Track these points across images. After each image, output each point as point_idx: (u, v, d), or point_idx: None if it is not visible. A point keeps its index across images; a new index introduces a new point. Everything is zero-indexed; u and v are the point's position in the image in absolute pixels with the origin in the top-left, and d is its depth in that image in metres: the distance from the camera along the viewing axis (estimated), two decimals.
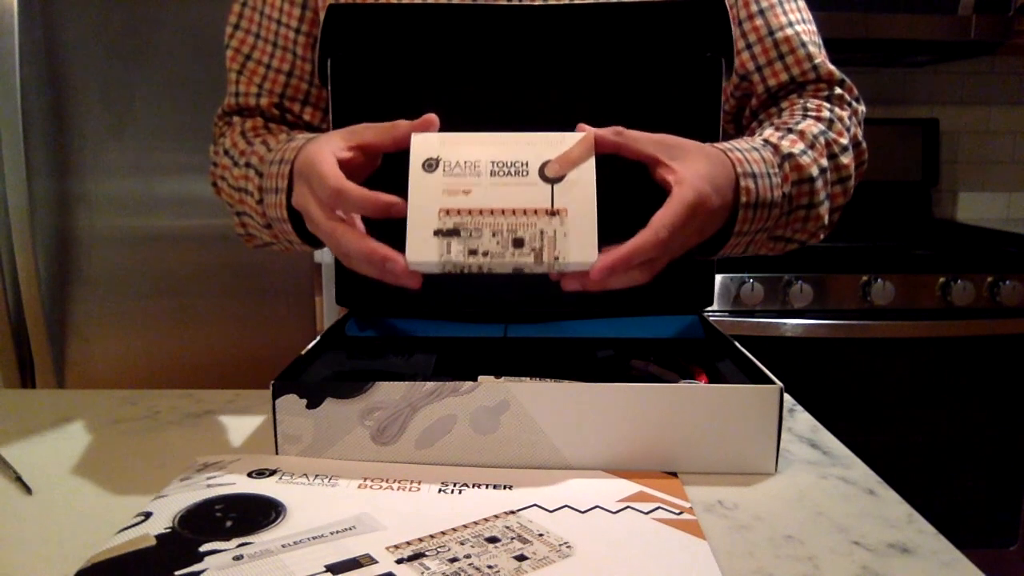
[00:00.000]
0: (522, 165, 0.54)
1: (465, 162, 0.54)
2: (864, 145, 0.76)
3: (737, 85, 0.79)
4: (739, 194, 0.61)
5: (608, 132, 0.56)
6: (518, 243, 0.53)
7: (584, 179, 0.54)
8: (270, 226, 0.69)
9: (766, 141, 0.67)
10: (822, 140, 0.70)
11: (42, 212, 1.41)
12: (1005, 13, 1.75)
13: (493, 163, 0.54)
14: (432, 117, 0.56)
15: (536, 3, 0.72)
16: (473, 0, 0.73)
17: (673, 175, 0.56)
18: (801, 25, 0.78)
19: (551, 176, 0.54)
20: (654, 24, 0.72)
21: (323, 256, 1.63)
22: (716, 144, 0.63)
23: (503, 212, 0.53)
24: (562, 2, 0.72)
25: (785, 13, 0.78)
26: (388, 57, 0.74)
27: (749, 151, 0.64)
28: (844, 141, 0.72)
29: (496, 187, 0.54)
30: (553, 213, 0.53)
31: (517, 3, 0.72)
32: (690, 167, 0.57)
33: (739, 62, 0.78)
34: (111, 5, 1.38)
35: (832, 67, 0.78)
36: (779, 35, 0.77)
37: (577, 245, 0.53)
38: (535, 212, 0.53)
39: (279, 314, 1.48)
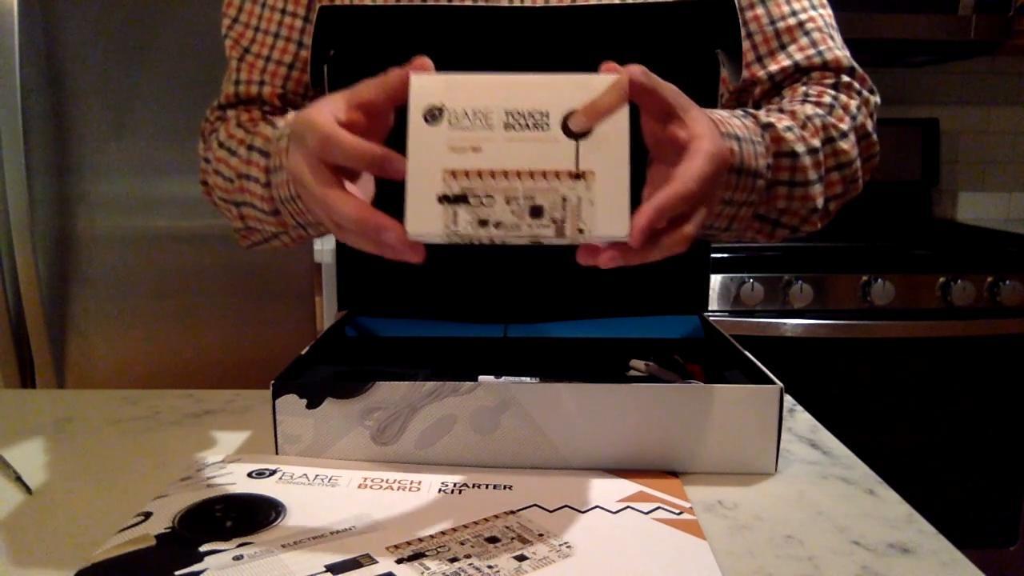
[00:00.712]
0: (542, 116, 0.46)
1: (474, 112, 0.46)
2: (875, 138, 0.73)
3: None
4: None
5: (638, 73, 0.47)
6: (536, 212, 0.45)
7: (615, 134, 0.46)
8: (277, 212, 0.66)
9: (746, 112, 0.64)
10: (817, 122, 0.67)
11: (42, 212, 1.41)
12: (1005, 13, 1.75)
13: (507, 113, 0.46)
14: (425, 60, 0.49)
15: (537, 4, 0.72)
16: (472, 2, 0.73)
17: (687, 130, 0.50)
18: (808, 12, 0.74)
19: (576, 130, 0.46)
20: (655, 25, 0.72)
21: (323, 256, 1.63)
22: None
23: (519, 175, 0.46)
24: (563, 3, 0.72)
25: (788, 2, 0.74)
26: (382, 59, 0.74)
27: (728, 117, 0.60)
28: (843, 127, 0.69)
29: (511, 143, 0.46)
30: (578, 176, 0.46)
31: (517, 4, 0.72)
32: (704, 120, 0.51)
33: None
34: (111, 5, 1.38)
35: (842, 54, 0.73)
36: (780, 24, 0.74)
37: (605, 215, 0.45)
38: (556, 175, 0.46)
39: (279, 314, 1.48)
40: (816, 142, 0.66)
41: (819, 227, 0.70)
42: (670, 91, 0.50)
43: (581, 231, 0.45)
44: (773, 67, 0.74)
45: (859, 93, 0.73)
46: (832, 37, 0.75)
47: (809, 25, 0.74)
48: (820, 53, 0.73)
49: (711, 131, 0.50)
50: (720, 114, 0.60)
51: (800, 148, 0.64)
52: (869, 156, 0.73)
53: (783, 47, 0.74)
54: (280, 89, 0.77)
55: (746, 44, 0.75)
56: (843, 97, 0.71)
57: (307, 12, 0.77)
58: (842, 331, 1.61)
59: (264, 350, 1.48)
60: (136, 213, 1.44)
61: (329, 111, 0.49)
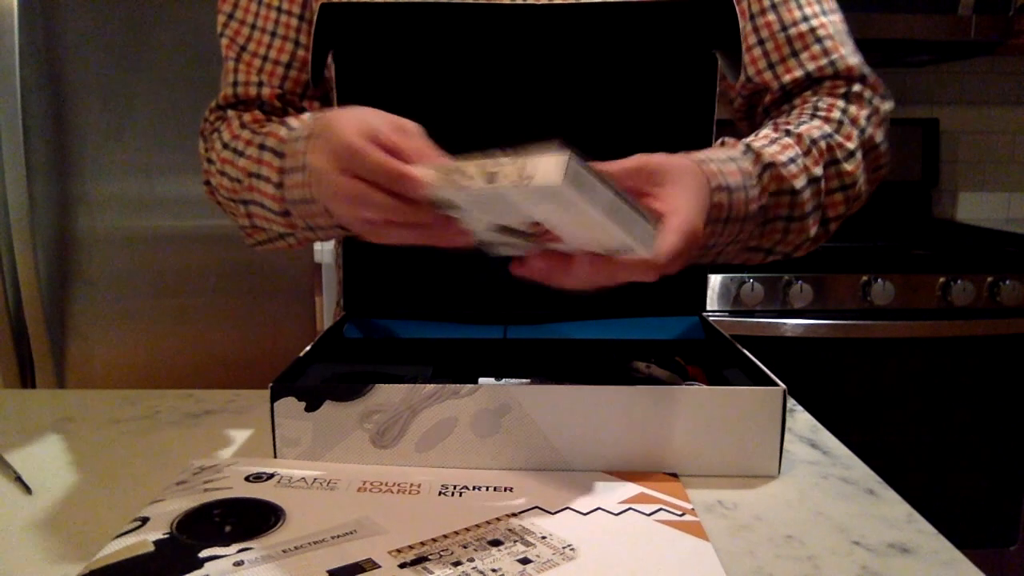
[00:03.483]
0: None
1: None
2: (883, 148, 0.72)
3: (744, 84, 0.76)
4: (709, 211, 0.57)
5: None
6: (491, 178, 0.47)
7: None
8: (287, 213, 0.66)
9: (748, 147, 0.64)
10: (822, 145, 0.66)
11: (42, 212, 1.41)
12: (1005, 13, 1.75)
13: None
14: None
15: (539, 3, 0.72)
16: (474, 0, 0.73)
17: (664, 204, 0.51)
18: (819, 18, 0.73)
19: None
20: (656, 23, 0.72)
21: (323, 256, 1.63)
22: (692, 155, 0.58)
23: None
24: (565, 1, 0.72)
25: (801, 7, 0.73)
26: (383, 56, 0.74)
27: (725, 162, 0.60)
28: (850, 146, 0.68)
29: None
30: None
31: (519, 2, 0.72)
32: (680, 194, 0.52)
33: (750, 59, 0.74)
34: (111, 6, 1.38)
35: (854, 62, 0.73)
36: (792, 31, 0.73)
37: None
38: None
39: (279, 314, 1.48)
40: (819, 170, 0.66)
41: (809, 251, 0.70)
42: (627, 175, 0.51)
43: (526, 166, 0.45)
44: (786, 78, 0.73)
45: (869, 102, 0.72)
46: (844, 44, 0.74)
47: (821, 32, 0.73)
48: (832, 63, 0.72)
49: (688, 207, 0.51)
50: (716, 163, 0.59)
51: (800, 183, 0.64)
52: (877, 167, 0.72)
53: (795, 54, 0.73)
54: (278, 89, 0.77)
55: (758, 51, 0.74)
56: (853, 109, 0.70)
57: (302, 10, 0.77)
58: (842, 331, 1.61)
59: (264, 350, 1.48)
60: (136, 213, 1.44)
61: (356, 120, 0.51)
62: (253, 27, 0.76)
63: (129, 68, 1.39)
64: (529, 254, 0.51)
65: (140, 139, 1.41)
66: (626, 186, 0.50)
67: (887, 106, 0.74)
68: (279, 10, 0.76)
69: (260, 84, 0.76)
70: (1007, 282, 1.61)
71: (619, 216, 0.45)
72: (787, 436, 0.65)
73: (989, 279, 1.62)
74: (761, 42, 0.74)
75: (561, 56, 0.73)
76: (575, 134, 0.74)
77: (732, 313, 1.61)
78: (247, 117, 0.75)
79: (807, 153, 0.66)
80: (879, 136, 0.72)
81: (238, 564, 0.45)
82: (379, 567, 0.45)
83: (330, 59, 0.77)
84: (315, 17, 0.71)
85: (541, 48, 0.73)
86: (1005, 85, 2.18)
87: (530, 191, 0.44)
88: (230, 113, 0.77)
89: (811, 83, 0.73)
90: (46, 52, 1.38)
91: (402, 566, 0.45)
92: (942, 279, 1.62)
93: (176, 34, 1.39)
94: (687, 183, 0.53)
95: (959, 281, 1.60)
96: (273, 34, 0.76)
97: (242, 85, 0.76)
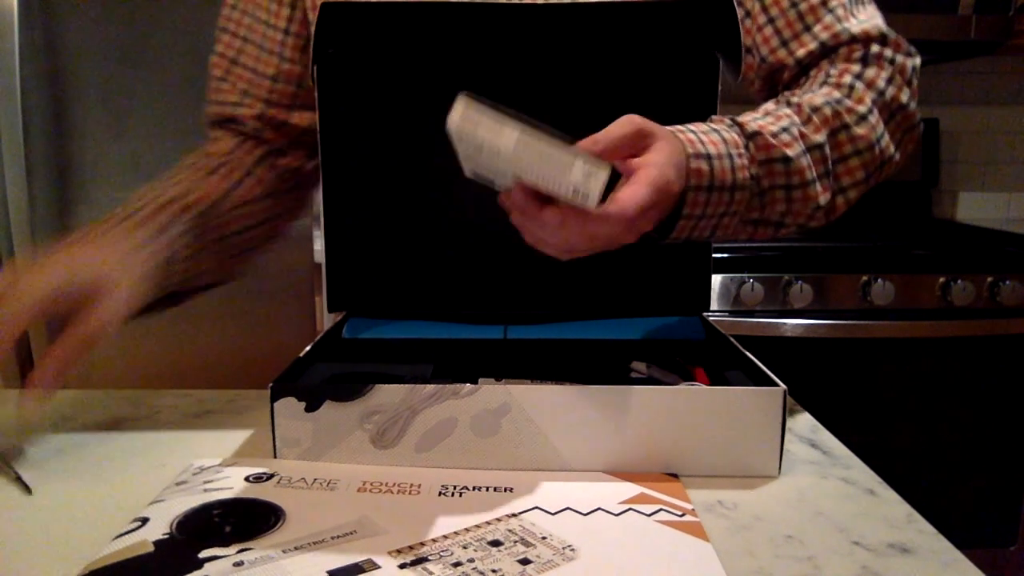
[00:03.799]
0: None
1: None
2: (912, 108, 0.69)
3: (760, 65, 0.75)
4: (688, 176, 0.58)
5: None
6: None
7: None
8: None
9: (733, 120, 0.63)
10: (827, 111, 0.65)
11: (42, 212, 1.41)
12: (1005, 13, 1.75)
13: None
14: None
15: (538, 2, 0.72)
16: None
17: (638, 161, 0.53)
18: None
19: None
20: (656, 23, 0.72)
21: (323, 256, 1.63)
22: (671, 127, 0.59)
23: None
24: (563, 1, 0.72)
25: None
26: (382, 56, 0.74)
27: (706, 132, 0.60)
28: (862, 109, 0.66)
29: None
30: None
31: (517, 2, 0.72)
32: (652, 153, 0.54)
33: (762, 38, 0.73)
34: (111, 5, 1.38)
35: (870, 25, 0.71)
36: (803, 6, 0.72)
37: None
38: None
39: (279, 314, 1.47)
40: (819, 137, 0.65)
41: (831, 220, 0.68)
42: (622, 139, 0.53)
43: None
44: (800, 52, 0.72)
45: (891, 62, 0.70)
46: (859, 9, 0.72)
47: (832, 2, 0.72)
48: (847, 28, 0.71)
49: (662, 160, 0.53)
50: (694, 132, 0.59)
51: (793, 151, 0.63)
52: (908, 128, 0.71)
53: (807, 28, 0.72)
54: (260, 107, 0.79)
55: (769, 29, 0.73)
56: (870, 72, 0.69)
57: (287, 25, 0.78)
58: (842, 331, 1.61)
59: (264, 350, 1.48)
60: None
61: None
62: (245, 40, 0.79)
63: (129, 68, 1.39)
64: (507, 190, 0.54)
65: (140, 139, 1.41)
66: (624, 154, 0.53)
67: (912, 62, 0.72)
68: (266, 24, 0.78)
69: (239, 104, 0.79)
70: (1007, 282, 1.61)
71: (537, 148, 0.49)
72: (787, 436, 0.65)
73: (989, 279, 1.62)
74: (771, 20, 0.73)
75: (561, 56, 0.73)
76: (575, 135, 0.74)
77: (732, 313, 1.61)
78: (211, 149, 0.79)
79: (807, 121, 0.65)
80: (904, 96, 0.70)
81: (238, 564, 0.45)
82: (379, 567, 0.45)
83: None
84: (316, 18, 0.72)
85: (541, 48, 0.73)
86: (1005, 85, 2.18)
87: (458, 140, 0.49)
88: (212, 134, 0.81)
89: (827, 52, 0.72)
90: (46, 52, 1.38)
91: (402, 566, 0.45)
92: (942, 279, 1.62)
93: (176, 34, 1.39)
94: (661, 145, 0.55)
95: (959, 281, 1.60)
96: (261, 47, 0.79)
97: (219, 104, 0.80)
